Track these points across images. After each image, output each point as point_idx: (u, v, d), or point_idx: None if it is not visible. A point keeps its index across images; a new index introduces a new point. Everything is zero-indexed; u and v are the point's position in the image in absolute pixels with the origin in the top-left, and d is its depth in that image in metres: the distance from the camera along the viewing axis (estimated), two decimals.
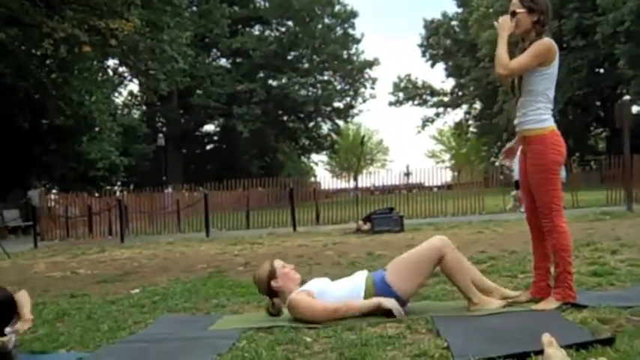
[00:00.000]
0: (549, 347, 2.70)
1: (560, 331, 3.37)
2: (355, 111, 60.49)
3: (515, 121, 4.84)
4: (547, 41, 4.61)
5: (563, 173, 18.66)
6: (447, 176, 29.08)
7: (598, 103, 47.50)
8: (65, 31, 20.11)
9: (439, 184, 25.16)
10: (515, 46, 4.89)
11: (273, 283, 4.86)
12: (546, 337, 2.73)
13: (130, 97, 49.24)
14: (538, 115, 4.67)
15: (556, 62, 4.69)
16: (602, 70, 45.07)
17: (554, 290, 4.67)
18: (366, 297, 4.70)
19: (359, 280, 4.87)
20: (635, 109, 41.22)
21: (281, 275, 4.88)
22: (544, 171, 4.66)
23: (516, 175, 18.60)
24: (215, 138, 56.73)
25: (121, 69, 39.00)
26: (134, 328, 5.05)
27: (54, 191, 30.82)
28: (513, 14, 4.74)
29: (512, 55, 4.72)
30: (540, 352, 3.18)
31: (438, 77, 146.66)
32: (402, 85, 68.29)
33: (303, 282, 5.08)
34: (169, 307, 5.92)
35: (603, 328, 3.87)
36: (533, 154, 4.72)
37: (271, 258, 5.22)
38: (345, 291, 4.79)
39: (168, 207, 23.23)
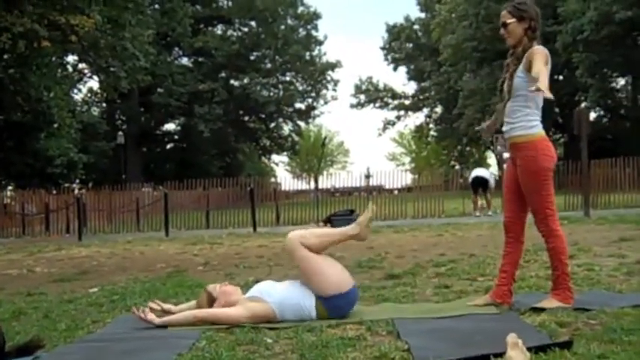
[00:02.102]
0: (512, 349, 2.69)
1: (519, 334, 3.40)
2: (317, 112, 60.57)
3: (504, 127, 4.87)
4: (543, 48, 4.68)
5: None
6: (407, 179, 29.19)
7: (556, 110, 48.08)
8: (24, 25, 19.86)
9: (399, 186, 25.29)
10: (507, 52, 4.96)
11: (215, 306, 4.81)
12: (512, 338, 2.70)
13: (89, 94, 48.70)
14: (527, 121, 4.72)
15: (549, 68, 4.75)
16: (561, 77, 45.64)
17: (553, 292, 4.75)
18: (317, 307, 4.67)
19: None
20: (592, 116, 41.90)
21: (219, 295, 4.83)
22: (536, 177, 4.70)
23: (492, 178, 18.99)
24: (175, 137, 56.33)
25: (80, 65, 38.63)
26: (92, 327, 4.98)
27: (10, 188, 30.35)
28: (504, 25, 4.79)
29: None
30: (500, 354, 3.20)
31: (400, 80, 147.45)
32: (364, 87, 68.44)
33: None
34: (128, 306, 5.84)
35: (561, 331, 3.92)
36: (523, 161, 4.75)
37: (204, 288, 5.17)
38: (291, 292, 4.75)
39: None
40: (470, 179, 19.45)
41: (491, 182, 19.02)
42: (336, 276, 4.72)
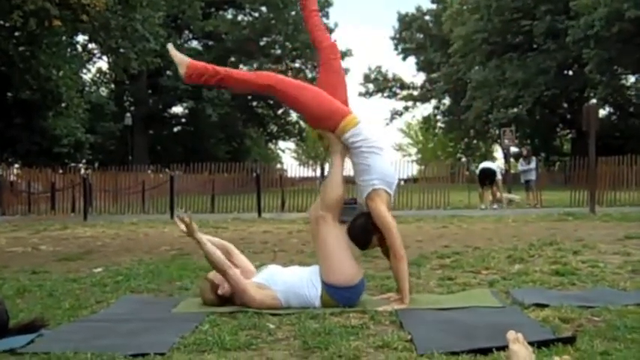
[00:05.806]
0: (514, 344, 2.71)
1: (522, 329, 3.40)
2: None
3: None
4: None
5: (532, 177, 18.85)
6: (413, 170, 29.19)
7: (565, 105, 47.97)
8: (35, 3, 19.80)
9: (405, 177, 25.27)
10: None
11: (220, 292, 4.78)
12: (511, 334, 2.72)
13: (98, 75, 48.73)
14: None
15: None
16: (570, 73, 45.51)
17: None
18: (322, 296, 4.68)
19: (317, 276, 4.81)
20: (601, 112, 41.77)
21: (222, 281, 4.80)
22: None
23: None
24: (183, 120, 56.25)
25: (90, 45, 38.56)
26: (96, 307, 5.01)
27: (16, 165, 30.40)
28: None
29: None
30: (503, 347, 3.20)
31: (409, 71, 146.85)
32: (373, 76, 68.37)
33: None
34: (132, 287, 5.88)
35: (564, 327, 3.93)
36: None
37: (202, 277, 5.15)
38: (297, 280, 4.77)
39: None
40: (477, 172, 19.39)
41: (499, 175, 18.98)
42: (351, 268, 4.73)
